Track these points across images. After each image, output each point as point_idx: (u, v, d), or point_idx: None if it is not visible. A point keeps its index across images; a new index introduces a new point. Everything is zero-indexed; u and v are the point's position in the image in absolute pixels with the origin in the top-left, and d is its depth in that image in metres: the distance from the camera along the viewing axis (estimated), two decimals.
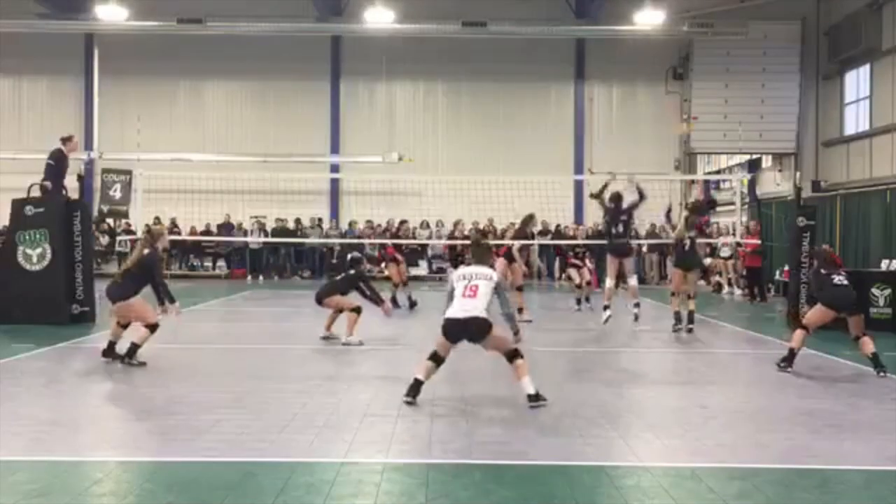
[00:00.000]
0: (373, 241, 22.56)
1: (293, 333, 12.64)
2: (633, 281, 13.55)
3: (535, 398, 7.18)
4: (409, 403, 7.21)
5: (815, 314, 9.49)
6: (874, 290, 13.34)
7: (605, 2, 25.68)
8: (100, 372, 9.00)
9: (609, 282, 13.30)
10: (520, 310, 14.19)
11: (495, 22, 25.26)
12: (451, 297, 7.38)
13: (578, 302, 15.97)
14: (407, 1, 25.08)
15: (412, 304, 16.15)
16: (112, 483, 5.15)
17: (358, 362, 9.85)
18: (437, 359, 7.33)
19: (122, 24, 25.02)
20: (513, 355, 7.28)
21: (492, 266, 7.78)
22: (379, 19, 24.52)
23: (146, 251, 9.48)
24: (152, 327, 9.23)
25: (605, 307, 13.12)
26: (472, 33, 25.65)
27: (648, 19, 23.96)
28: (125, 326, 9.53)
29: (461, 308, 7.21)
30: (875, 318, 13.14)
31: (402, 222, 19.07)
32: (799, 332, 9.43)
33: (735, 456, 5.88)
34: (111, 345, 9.49)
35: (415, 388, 7.30)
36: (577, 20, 26.93)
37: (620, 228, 13.24)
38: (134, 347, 9.14)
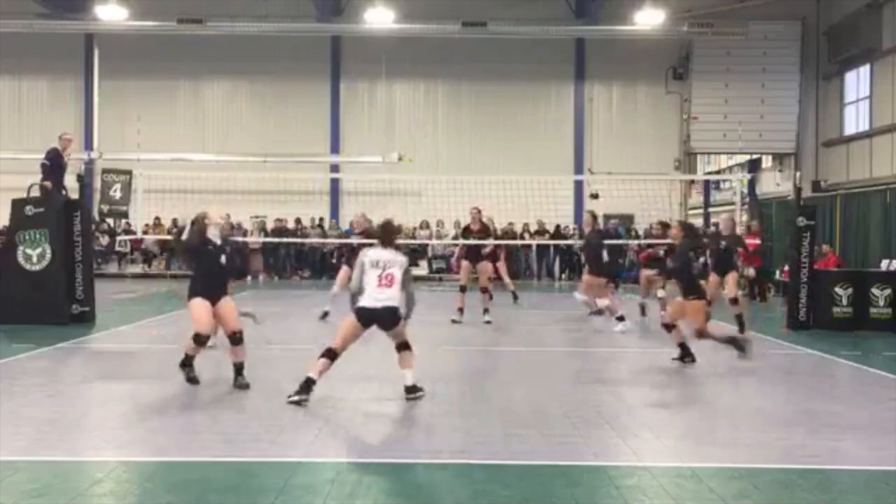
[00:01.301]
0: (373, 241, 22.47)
1: (293, 333, 12.62)
2: (605, 301, 13.36)
3: (413, 390, 7.35)
4: (299, 403, 7.07)
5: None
6: (874, 290, 13.25)
7: (605, 2, 25.65)
8: (100, 372, 9.00)
9: (606, 301, 13.28)
10: (485, 310, 13.94)
11: (495, 22, 25.22)
12: (360, 281, 7.31)
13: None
14: (407, 1, 25.05)
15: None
16: (112, 483, 5.15)
17: (358, 362, 9.82)
18: (332, 355, 7.33)
19: (122, 24, 25.02)
20: (404, 346, 7.45)
21: (398, 248, 7.75)
22: (379, 19, 24.52)
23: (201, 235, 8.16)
24: (197, 339, 8.05)
25: (620, 318, 12.94)
26: (472, 33, 25.61)
27: (648, 19, 23.96)
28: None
29: (375, 298, 7.24)
30: (875, 318, 13.11)
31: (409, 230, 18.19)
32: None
33: (735, 456, 5.88)
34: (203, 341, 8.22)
35: (306, 387, 7.18)
36: (576, 20, 26.88)
37: (607, 257, 13.43)
38: (186, 358, 8.16)
